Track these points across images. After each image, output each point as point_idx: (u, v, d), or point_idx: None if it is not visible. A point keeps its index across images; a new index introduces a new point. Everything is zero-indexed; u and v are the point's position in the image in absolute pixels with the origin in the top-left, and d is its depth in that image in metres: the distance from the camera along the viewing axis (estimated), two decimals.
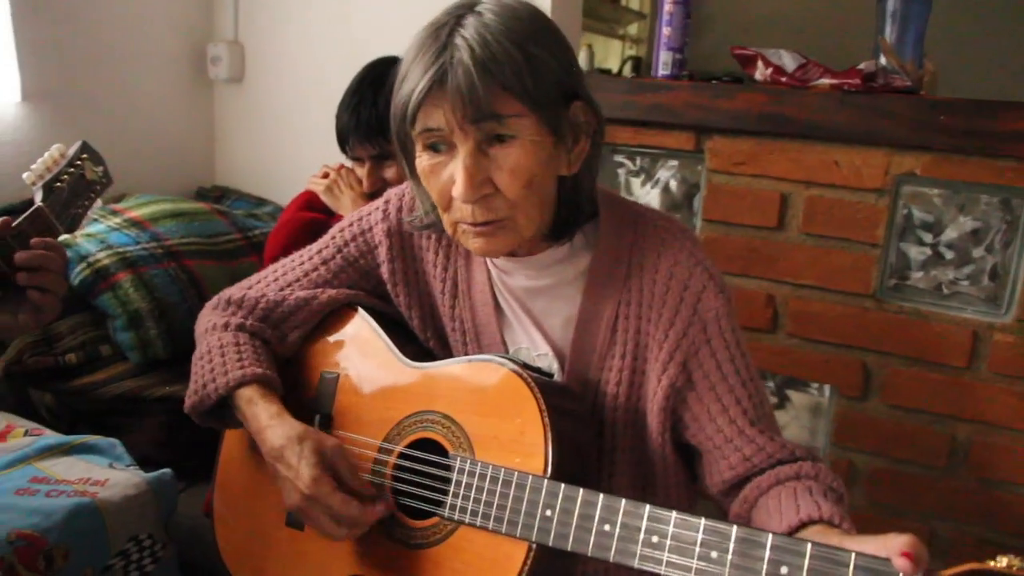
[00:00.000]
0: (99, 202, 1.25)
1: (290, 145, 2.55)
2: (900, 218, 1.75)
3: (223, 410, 1.16)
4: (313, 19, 2.45)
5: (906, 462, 1.79)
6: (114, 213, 2.08)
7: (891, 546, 0.74)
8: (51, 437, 1.53)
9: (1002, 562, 0.65)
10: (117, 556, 1.34)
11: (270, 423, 1.07)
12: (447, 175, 0.99)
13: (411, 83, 0.96)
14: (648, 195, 1.99)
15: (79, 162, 1.22)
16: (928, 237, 1.74)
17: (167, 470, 1.46)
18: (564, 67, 1.00)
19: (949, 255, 1.73)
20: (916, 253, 1.75)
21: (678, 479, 1.17)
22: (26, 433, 1.55)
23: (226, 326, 1.20)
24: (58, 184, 1.17)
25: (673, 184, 1.97)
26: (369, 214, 1.24)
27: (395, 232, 1.22)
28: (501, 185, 0.99)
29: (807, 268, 1.82)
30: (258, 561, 1.19)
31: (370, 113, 1.65)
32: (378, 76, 1.67)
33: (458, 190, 0.98)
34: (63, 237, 1.16)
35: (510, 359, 1.03)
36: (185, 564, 1.50)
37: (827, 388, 1.86)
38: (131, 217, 2.07)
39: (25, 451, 1.44)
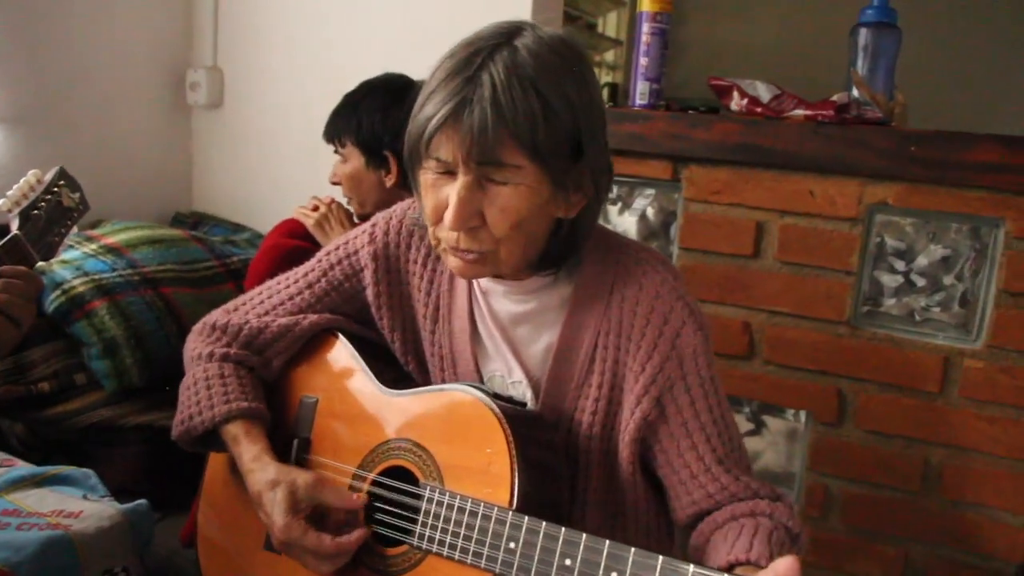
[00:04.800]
0: (75, 228, 1.25)
1: (269, 171, 2.55)
2: (873, 246, 1.77)
3: (210, 437, 1.18)
4: (293, 46, 2.46)
5: (881, 486, 1.80)
6: (90, 239, 2.07)
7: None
8: (22, 468, 1.50)
9: None
10: None
11: (251, 467, 1.11)
12: (444, 195, 1.02)
13: (432, 108, 0.98)
14: (625, 223, 2.01)
15: (56, 189, 1.21)
16: (900, 265, 1.76)
17: (143, 501, 1.44)
18: (585, 119, 1.01)
19: (921, 282, 1.76)
20: (889, 280, 1.78)
21: (649, 510, 1.18)
22: None
23: (211, 356, 1.22)
24: (35, 212, 1.16)
25: (650, 212, 1.98)
26: (356, 237, 1.26)
27: (381, 255, 1.23)
28: (489, 221, 1.01)
29: (783, 295, 1.84)
30: None
31: (335, 121, 1.76)
32: (363, 98, 1.73)
33: (447, 216, 1.00)
34: (38, 265, 1.16)
35: (481, 388, 1.05)
36: None
37: (803, 414, 1.88)
38: (107, 243, 2.06)
39: None
